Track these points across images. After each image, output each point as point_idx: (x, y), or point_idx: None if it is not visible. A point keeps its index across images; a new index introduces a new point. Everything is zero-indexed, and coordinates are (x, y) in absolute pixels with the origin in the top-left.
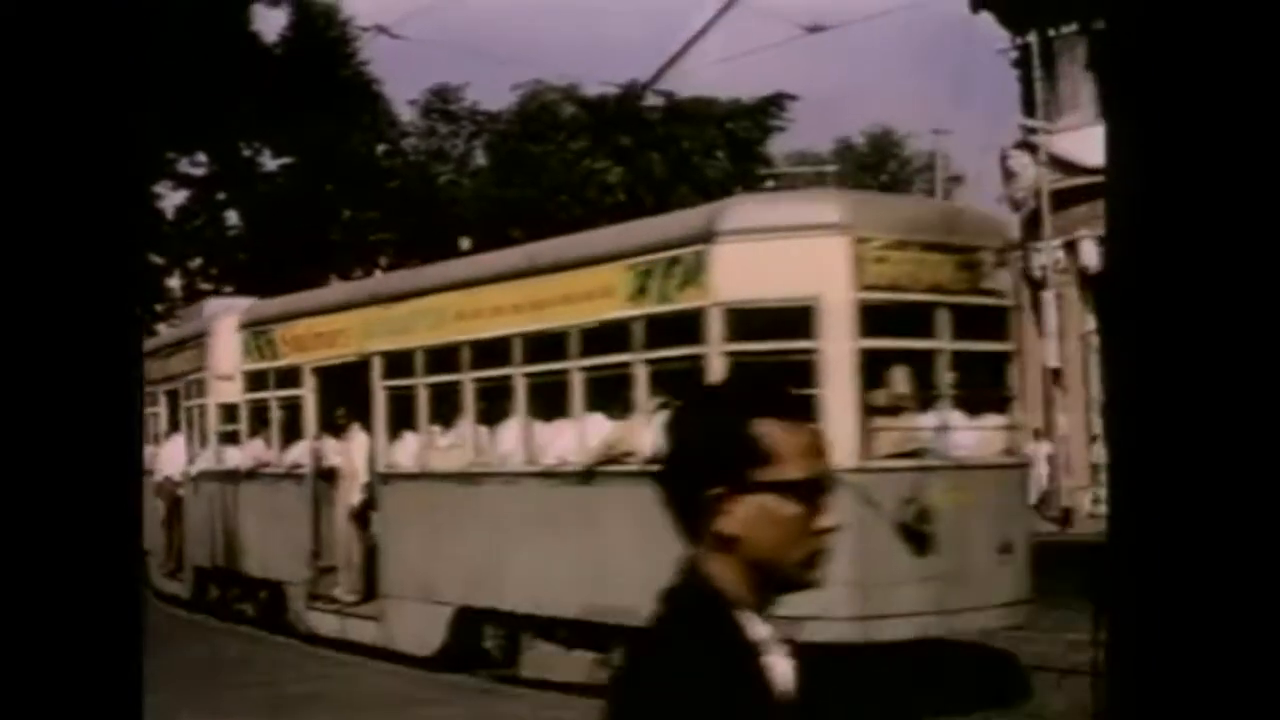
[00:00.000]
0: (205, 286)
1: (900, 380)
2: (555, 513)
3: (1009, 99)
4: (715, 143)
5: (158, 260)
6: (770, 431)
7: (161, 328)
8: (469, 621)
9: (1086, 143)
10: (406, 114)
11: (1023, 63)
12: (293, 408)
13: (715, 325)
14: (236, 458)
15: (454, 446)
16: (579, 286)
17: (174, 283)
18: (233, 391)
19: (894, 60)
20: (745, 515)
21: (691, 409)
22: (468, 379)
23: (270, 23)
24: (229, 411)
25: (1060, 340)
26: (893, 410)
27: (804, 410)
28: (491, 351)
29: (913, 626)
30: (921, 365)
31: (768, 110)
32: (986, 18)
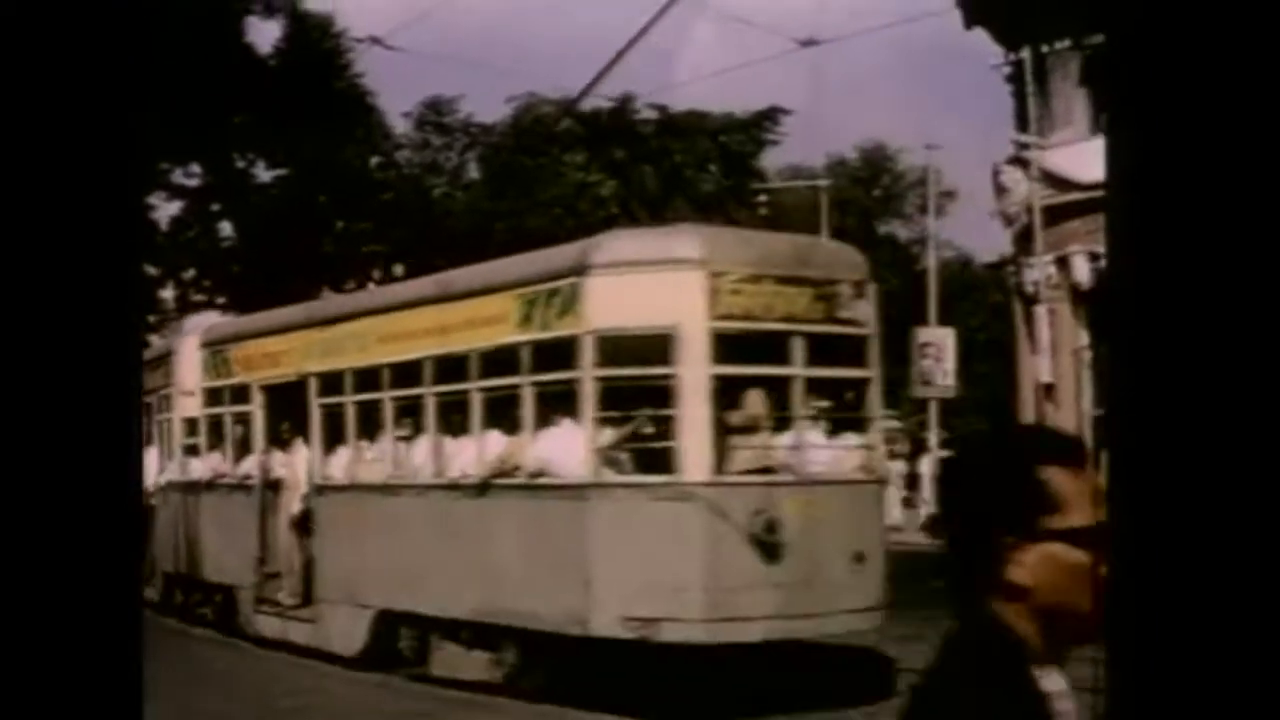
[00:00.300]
0: (199, 298)
1: (755, 403)
2: (457, 522)
3: (1002, 114)
4: (708, 156)
5: (151, 271)
6: (1058, 478)
7: (154, 339)
8: (388, 624)
9: (1079, 158)
10: (400, 126)
11: (1016, 78)
12: (245, 423)
13: (588, 352)
14: (198, 469)
15: (376, 460)
16: (479, 313)
17: (167, 294)
18: (195, 406)
19: (887, 75)
20: (1036, 564)
21: (977, 456)
22: (388, 397)
23: (265, 34)
24: (192, 425)
25: (1053, 355)
26: (748, 430)
27: (1085, 456)
28: (408, 373)
29: (761, 629)
30: (779, 389)
31: (761, 124)
32: (980, 33)
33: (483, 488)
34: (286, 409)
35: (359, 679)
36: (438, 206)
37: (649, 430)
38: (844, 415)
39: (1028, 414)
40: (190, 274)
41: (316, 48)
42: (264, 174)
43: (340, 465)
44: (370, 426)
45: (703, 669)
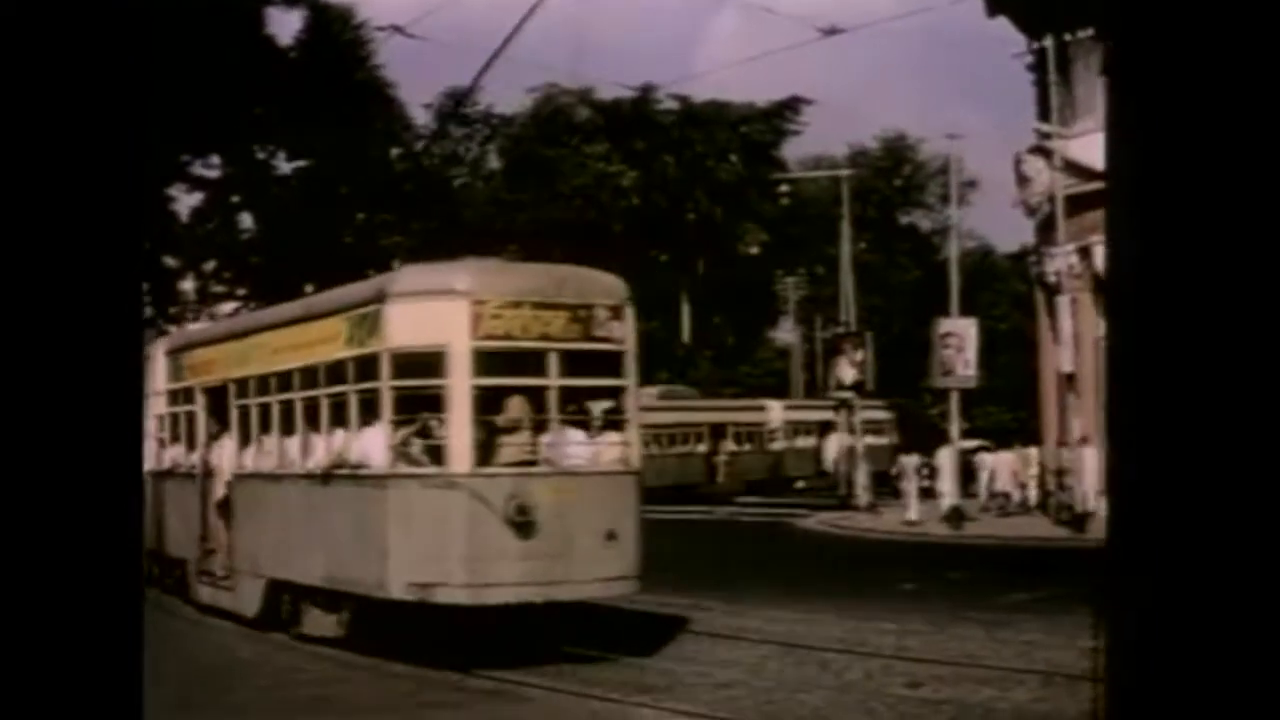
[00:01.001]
0: (219, 289)
1: (515, 407)
2: (312, 506)
3: (1024, 103)
4: (729, 146)
5: (172, 263)
6: None
7: (173, 330)
8: (275, 590)
9: (1102, 148)
10: (421, 117)
11: (1038, 67)
12: (191, 420)
13: (385, 366)
14: (165, 460)
15: (269, 453)
16: (324, 333)
17: (188, 285)
18: (163, 405)
19: (909, 64)
20: None
21: None
22: (274, 401)
23: (285, 26)
24: (160, 421)
25: (1075, 345)
26: (511, 430)
27: None
28: (285, 381)
29: (514, 594)
30: (539, 396)
31: (782, 114)
32: (1002, 22)
33: (325, 477)
34: (220, 409)
35: (389, 669)
36: (458, 197)
37: (435, 429)
38: (607, 416)
39: (1049, 404)
40: (211, 265)
41: (337, 39)
42: (284, 165)
43: (250, 457)
44: (267, 424)
45: (531, 625)
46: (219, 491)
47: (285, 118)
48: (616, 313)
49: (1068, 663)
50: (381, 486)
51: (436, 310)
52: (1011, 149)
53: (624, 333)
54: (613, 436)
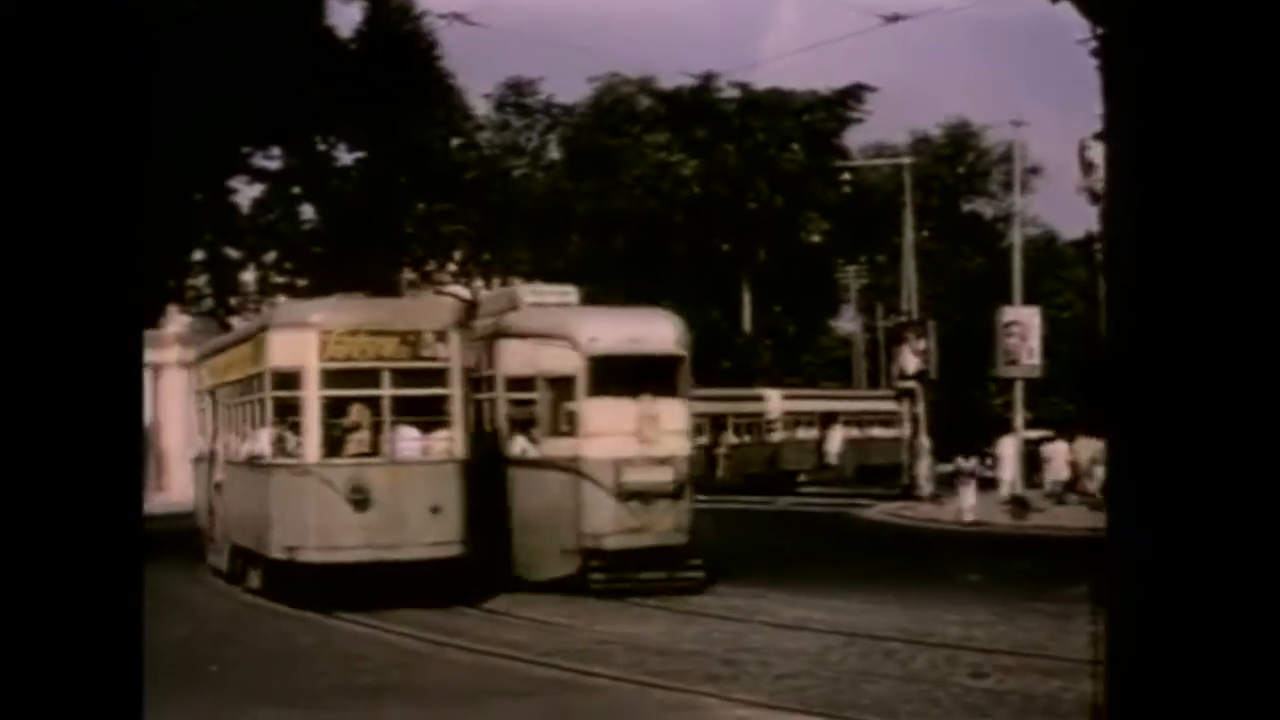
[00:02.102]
0: (279, 280)
1: (356, 413)
2: (246, 486)
3: (1089, 89)
4: (791, 135)
5: (233, 254)
6: None
7: (235, 321)
8: (233, 553)
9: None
10: (481, 107)
11: (1103, 52)
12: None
13: (269, 381)
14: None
15: (230, 445)
16: (250, 352)
17: (249, 276)
18: (198, 404)
19: (972, 50)
20: None
21: None
22: (235, 404)
23: (345, 17)
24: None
25: None
26: (354, 429)
27: None
28: (246, 387)
29: (356, 556)
30: (377, 403)
31: (844, 102)
32: (1066, 7)
33: (250, 465)
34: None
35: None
36: (517, 187)
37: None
38: (432, 419)
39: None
40: (271, 256)
41: (397, 30)
42: (345, 156)
43: (228, 447)
44: (231, 422)
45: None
46: (216, 475)
47: (346, 109)
48: (441, 337)
49: (1092, 650)
50: (267, 473)
51: (296, 338)
52: (1076, 135)
53: (448, 353)
54: (441, 434)
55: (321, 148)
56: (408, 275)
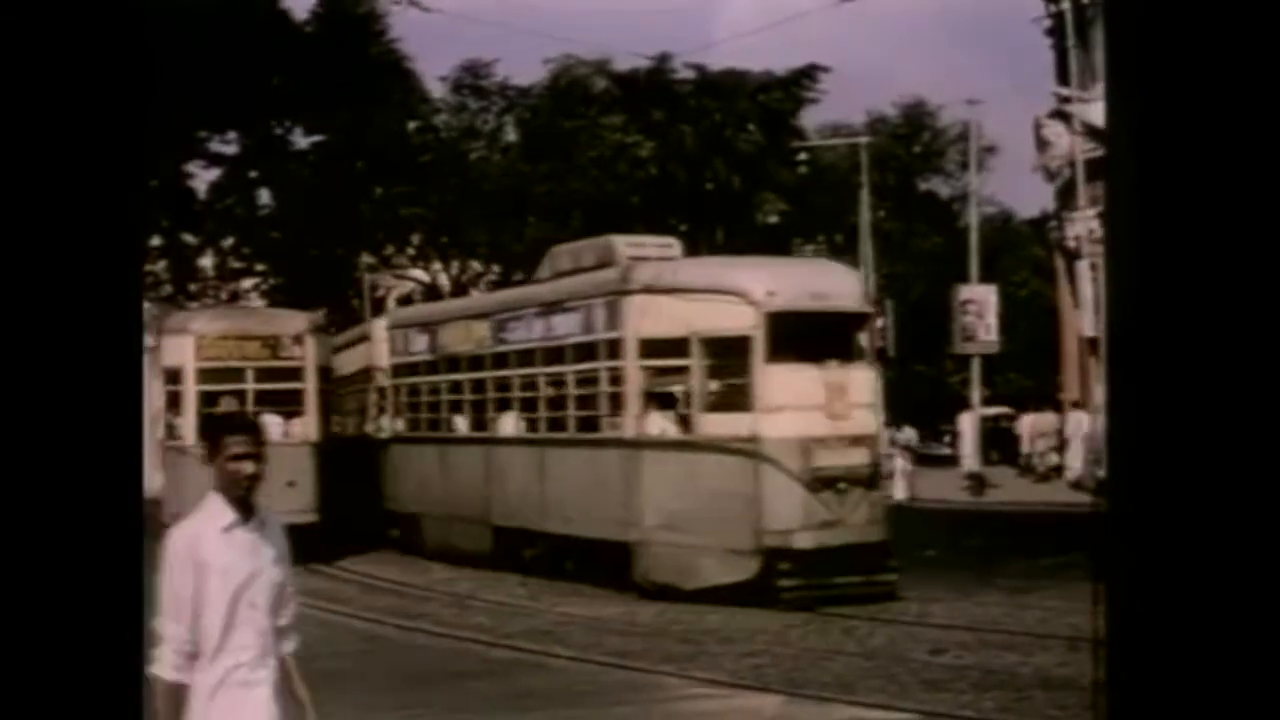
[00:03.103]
0: (237, 265)
1: (227, 403)
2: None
3: (1043, 68)
4: (747, 115)
5: (190, 240)
6: None
7: (194, 305)
8: None
9: None
10: (437, 90)
11: (1056, 31)
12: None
13: (160, 377)
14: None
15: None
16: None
17: (207, 262)
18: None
19: (927, 30)
20: None
21: None
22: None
23: (300, 1)
24: None
25: (1096, 310)
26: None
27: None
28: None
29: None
30: (243, 396)
31: (800, 82)
32: None
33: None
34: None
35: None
36: (475, 170)
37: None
38: (290, 409)
39: (1071, 369)
40: (229, 242)
41: (352, 13)
42: (301, 140)
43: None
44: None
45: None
46: None
47: (302, 93)
48: (299, 340)
49: (1090, 628)
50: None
51: (179, 343)
52: (1031, 114)
53: (304, 353)
54: (297, 421)
55: (278, 132)
56: (366, 259)
